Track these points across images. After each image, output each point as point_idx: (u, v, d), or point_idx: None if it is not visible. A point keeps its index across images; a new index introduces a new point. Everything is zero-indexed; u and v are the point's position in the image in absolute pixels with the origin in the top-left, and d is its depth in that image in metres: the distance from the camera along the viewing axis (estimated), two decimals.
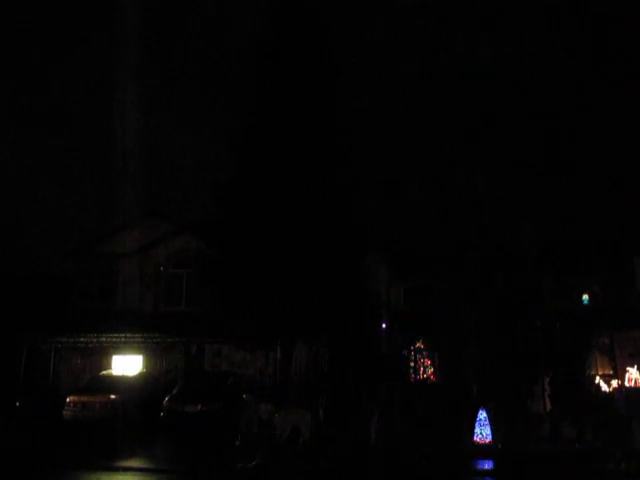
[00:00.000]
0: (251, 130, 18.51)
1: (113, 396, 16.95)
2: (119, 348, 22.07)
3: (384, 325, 21.68)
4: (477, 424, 15.38)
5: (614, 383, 20.60)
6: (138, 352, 22.06)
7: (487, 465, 13.89)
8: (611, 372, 22.21)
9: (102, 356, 22.17)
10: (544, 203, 26.97)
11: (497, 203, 24.06)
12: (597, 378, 21.40)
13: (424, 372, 20.85)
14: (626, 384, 20.42)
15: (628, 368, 21.30)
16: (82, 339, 22.06)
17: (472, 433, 15.40)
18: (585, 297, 25.61)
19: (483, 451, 14.69)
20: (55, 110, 62.97)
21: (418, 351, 20.29)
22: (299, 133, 17.81)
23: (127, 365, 21.25)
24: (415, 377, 18.86)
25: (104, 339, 21.94)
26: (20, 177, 51.68)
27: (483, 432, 15.27)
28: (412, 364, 19.92)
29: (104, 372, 19.90)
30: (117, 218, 27.24)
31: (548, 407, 17.98)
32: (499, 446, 14.81)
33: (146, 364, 21.94)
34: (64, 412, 17.09)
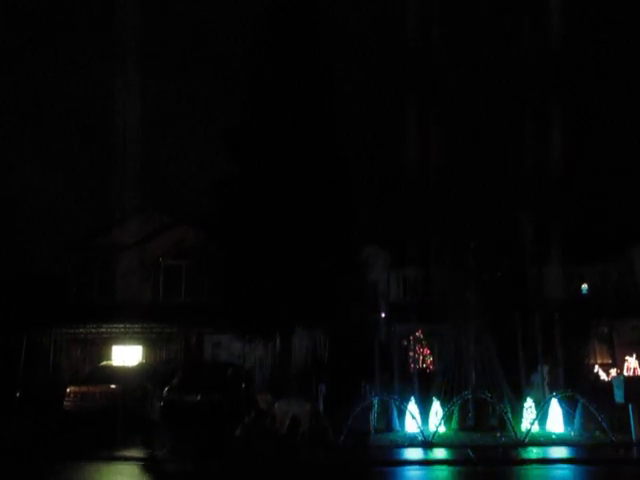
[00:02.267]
0: (247, 124, 18.51)
1: (113, 386, 16.98)
2: (119, 339, 22.17)
3: (383, 314, 21.73)
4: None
5: (613, 372, 20.65)
6: (138, 343, 22.17)
7: None
8: (610, 361, 22.29)
9: (102, 347, 22.26)
10: (542, 193, 27.02)
11: (496, 193, 24.05)
12: (596, 367, 21.47)
13: (423, 361, 20.91)
14: (625, 373, 20.47)
15: (627, 357, 21.35)
16: (82, 330, 22.15)
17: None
18: (584, 286, 25.65)
19: None
20: (52, 104, 62.83)
21: (417, 340, 20.31)
22: (295, 127, 17.82)
23: (127, 356, 21.31)
24: (414, 367, 18.87)
25: (104, 330, 22.04)
26: (18, 171, 51.59)
27: None
28: (411, 354, 19.94)
29: (104, 363, 19.94)
30: (116, 211, 27.30)
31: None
32: (498, 434, 14.88)
33: (146, 354, 22.03)
34: (64, 403, 17.11)
